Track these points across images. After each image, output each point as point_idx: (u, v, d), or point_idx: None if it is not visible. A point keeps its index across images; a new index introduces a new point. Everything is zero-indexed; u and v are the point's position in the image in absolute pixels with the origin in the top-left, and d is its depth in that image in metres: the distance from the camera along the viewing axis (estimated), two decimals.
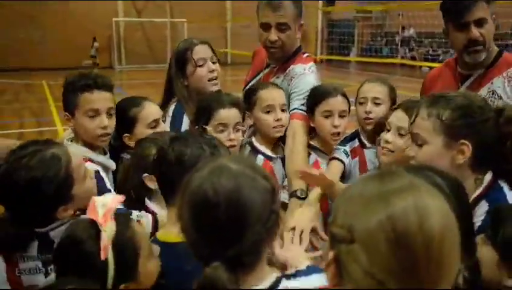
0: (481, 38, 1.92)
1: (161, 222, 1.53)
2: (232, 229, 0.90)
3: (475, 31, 1.91)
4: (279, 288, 0.98)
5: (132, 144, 1.90)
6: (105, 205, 1.11)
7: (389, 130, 1.80)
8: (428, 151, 1.38)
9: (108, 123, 1.82)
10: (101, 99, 1.81)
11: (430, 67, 12.73)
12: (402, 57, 15.23)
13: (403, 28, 16.02)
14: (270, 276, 0.98)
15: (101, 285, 1.06)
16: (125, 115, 1.96)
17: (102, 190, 1.59)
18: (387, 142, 1.75)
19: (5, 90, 10.40)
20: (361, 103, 2.13)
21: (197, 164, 1.03)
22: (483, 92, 1.98)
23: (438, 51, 14.54)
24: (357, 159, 2.16)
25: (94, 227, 1.09)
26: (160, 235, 1.30)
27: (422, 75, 13.06)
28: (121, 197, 1.24)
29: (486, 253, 1.13)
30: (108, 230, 1.08)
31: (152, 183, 1.58)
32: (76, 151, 1.74)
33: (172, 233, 1.16)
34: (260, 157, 2.13)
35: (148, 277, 1.16)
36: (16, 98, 9.45)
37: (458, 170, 1.34)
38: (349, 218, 0.76)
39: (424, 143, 1.39)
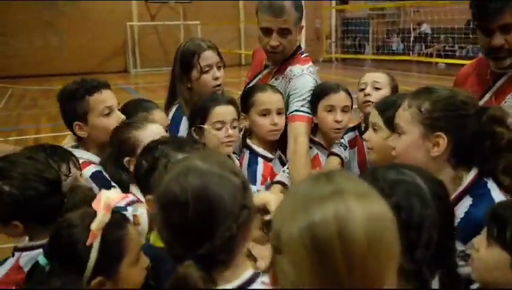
0: (506, 45, 1.81)
1: None
2: (202, 227, 0.91)
3: (499, 39, 1.80)
4: (252, 288, 0.96)
5: None
6: (109, 198, 1.13)
7: None
8: (405, 140, 1.38)
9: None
10: (110, 97, 1.88)
11: (447, 64, 12.58)
12: (418, 54, 15.04)
13: (418, 24, 15.81)
14: (246, 273, 0.98)
15: (80, 274, 1.06)
16: (131, 118, 1.95)
17: (107, 184, 1.67)
18: (366, 140, 1.76)
19: (23, 97, 10.59)
20: (361, 89, 2.17)
21: None
22: None
23: (454, 46, 14.31)
24: (355, 148, 2.18)
25: (92, 217, 1.10)
26: (152, 237, 1.31)
27: (438, 71, 12.90)
28: (125, 195, 1.31)
29: (493, 255, 1.08)
30: (100, 217, 1.09)
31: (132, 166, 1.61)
32: (82, 156, 1.77)
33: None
34: (260, 159, 2.14)
35: (128, 283, 1.15)
36: (33, 104, 9.60)
37: (434, 163, 1.33)
38: (278, 224, 0.74)
39: (403, 133, 1.39)
